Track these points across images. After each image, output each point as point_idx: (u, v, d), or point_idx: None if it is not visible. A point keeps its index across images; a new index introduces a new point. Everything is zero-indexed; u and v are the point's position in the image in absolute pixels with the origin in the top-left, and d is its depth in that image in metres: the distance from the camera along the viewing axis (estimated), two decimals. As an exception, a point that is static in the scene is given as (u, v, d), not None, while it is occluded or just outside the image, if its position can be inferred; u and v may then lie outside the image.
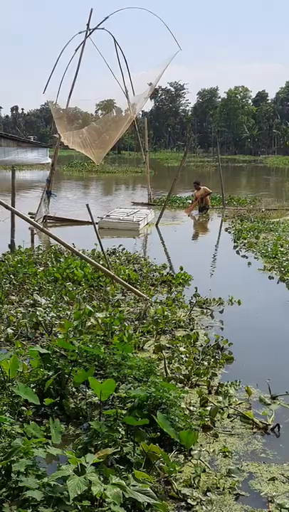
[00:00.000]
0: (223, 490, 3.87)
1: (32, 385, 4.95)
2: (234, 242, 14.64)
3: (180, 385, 5.47)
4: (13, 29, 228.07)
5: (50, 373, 5.00)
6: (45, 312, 7.38)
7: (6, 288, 8.76)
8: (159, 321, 7.33)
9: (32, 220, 10.12)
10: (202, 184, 21.76)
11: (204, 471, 4.07)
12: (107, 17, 18.26)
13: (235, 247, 14.00)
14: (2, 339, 6.60)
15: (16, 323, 7.01)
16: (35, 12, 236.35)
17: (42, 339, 6.74)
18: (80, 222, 16.83)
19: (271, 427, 4.81)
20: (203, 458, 4.23)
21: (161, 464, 3.98)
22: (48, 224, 16.88)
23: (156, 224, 17.49)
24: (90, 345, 5.48)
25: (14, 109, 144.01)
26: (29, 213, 15.67)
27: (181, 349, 6.41)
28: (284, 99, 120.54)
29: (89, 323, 6.89)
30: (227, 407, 5.13)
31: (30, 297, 8.25)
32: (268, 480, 4.02)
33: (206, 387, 5.52)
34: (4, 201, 8.91)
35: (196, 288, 9.01)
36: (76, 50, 17.91)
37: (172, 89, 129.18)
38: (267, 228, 16.47)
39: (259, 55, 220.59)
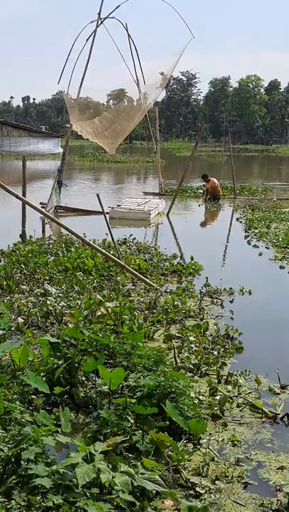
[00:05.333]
0: (232, 478, 3.87)
1: (42, 374, 4.98)
2: (245, 231, 14.58)
3: (189, 374, 5.48)
4: (22, 17, 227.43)
5: (60, 362, 5.02)
6: (55, 302, 7.42)
7: (17, 277, 8.81)
8: (169, 310, 7.33)
9: (43, 210, 10.15)
10: (210, 176, 21.74)
11: (213, 459, 4.08)
12: (118, 6, 18.18)
13: (246, 236, 13.94)
14: (13, 328, 6.64)
15: (26, 313, 7.04)
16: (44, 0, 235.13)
17: (52, 328, 6.77)
18: (90, 212, 16.83)
19: (280, 416, 4.80)
20: (212, 447, 4.25)
21: (170, 453, 3.99)
22: (59, 214, 16.91)
23: (168, 214, 17.46)
24: (100, 335, 5.50)
25: (26, 98, 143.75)
26: (40, 203, 15.71)
27: (191, 339, 6.42)
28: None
29: (99, 313, 6.92)
30: (236, 396, 5.13)
31: (41, 287, 8.29)
32: (277, 469, 4.02)
33: (215, 376, 5.52)
34: (15, 191, 8.92)
35: (206, 278, 9.01)
36: (87, 40, 17.87)
37: (184, 78, 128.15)
38: (278, 218, 16.38)
39: (271, 42, 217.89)
